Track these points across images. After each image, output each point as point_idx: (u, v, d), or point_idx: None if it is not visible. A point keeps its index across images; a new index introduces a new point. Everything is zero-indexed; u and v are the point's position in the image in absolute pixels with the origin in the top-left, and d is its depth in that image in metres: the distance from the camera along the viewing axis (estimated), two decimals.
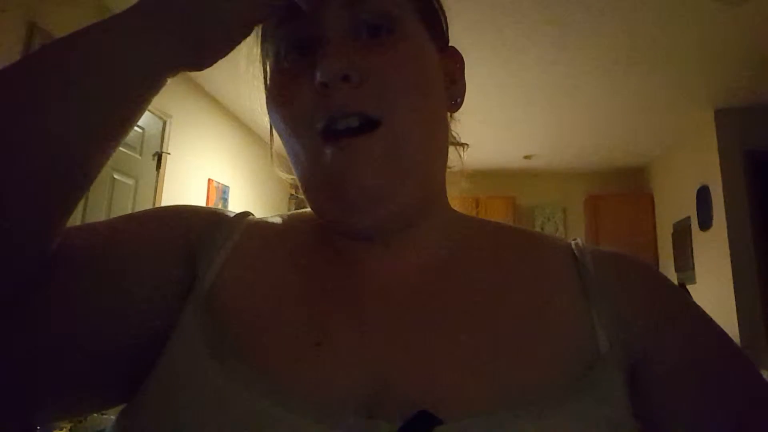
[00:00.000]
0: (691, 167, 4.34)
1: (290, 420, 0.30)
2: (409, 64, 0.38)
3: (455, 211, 0.46)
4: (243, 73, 0.47)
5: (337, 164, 0.36)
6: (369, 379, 0.33)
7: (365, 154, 0.36)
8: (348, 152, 0.35)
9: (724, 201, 3.83)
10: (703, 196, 4.12)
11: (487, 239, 0.45)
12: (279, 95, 0.39)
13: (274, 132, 0.44)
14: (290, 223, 0.47)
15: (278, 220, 0.47)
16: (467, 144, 0.49)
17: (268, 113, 0.41)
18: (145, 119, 3.05)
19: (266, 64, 0.44)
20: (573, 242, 0.44)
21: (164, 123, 3.25)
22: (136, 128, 2.60)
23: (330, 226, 0.42)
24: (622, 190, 5.56)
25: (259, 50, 0.44)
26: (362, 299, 0.39)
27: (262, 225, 0.45)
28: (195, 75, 3.53)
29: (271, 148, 0.49)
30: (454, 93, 0.45)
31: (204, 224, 0.42)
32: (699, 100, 3.75)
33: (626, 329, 0.37)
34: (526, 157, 5.24)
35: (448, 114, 0.45)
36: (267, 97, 0.41)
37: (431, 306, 0.39)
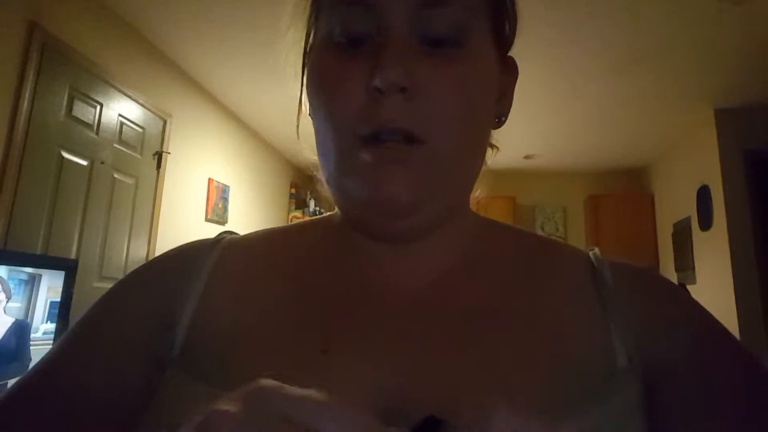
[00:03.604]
0: (691, 167, 4.33)
1: None
2: (469, 89, 0.36)
3: (474, 213, 0.45)
4: (284, 33, 0.44)
5: (375, 173, 0.34)
6: (383, 387, 0.33)
7: (404, 168, 0.34)
8: (387, 162, 0.34)
9: (724, 201, 3.82)
10: (703, 196, 4.11)
11: (504, 245, 0.44)
12: (326, 80, 0.36)
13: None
14: (280, 235, 0.46)
15: (263, 234, 0.46)
16: (497, 147, 0.47)
17: (309, 91, 0.39)
18: (146, 119, 3.05)
19: (312, 34, 0.41)
20: (591, 252, 0.43)
21: (164, 122, 3.25)
22: (136, 128, 2.61)
23: (354, 226, 0.41)
24: (622, 190, 5.55)
25: (306, 14, 0.41)
26: (373, 304, 0.38)
27: (243, 242, 0.45)
28: (195, 74, 3.53)
29: (297, 124, 0.46)
30: (500, 110, 0.42)
31: (169, 276, 0.42)
32: (699, 100, 3.75)
33: (645, 344, 0.36)
34: (526, 157, 5.24)
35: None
36: (311, 76, 0.39)
37: (446, 311, 0.38)
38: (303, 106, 0.45)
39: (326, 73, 0.37)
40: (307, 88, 0.40)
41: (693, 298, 0.41)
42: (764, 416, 0.34)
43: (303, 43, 0.42)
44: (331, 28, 0.37)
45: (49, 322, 1.68)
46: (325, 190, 0.48)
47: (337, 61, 0.36)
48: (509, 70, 0.43)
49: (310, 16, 0.40)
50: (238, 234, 0.47)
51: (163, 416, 0.33)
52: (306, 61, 0.42)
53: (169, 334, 0.37)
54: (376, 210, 0.36)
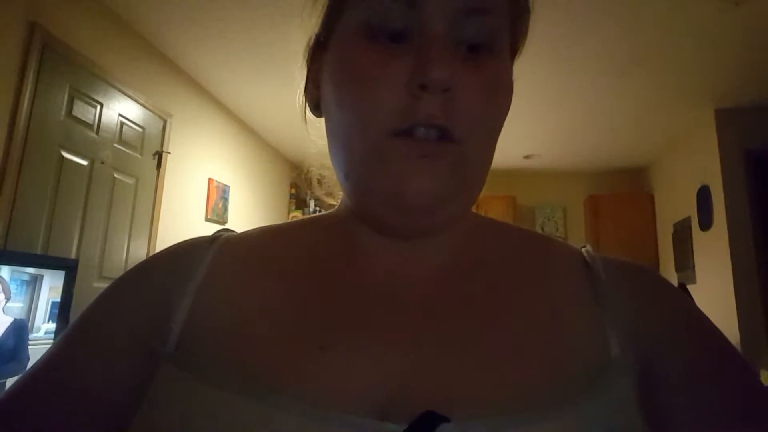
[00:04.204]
0: (691, 167, 4.33)
1: (289, 422, 0.30)
2: (499, 96, 0.37)
3: (472, 212, 0.46)
4: (298, 14, 0.42)
5: (404, 165, 0.34)
6: (381, 383, 0.33)
7: (434, 163, 0.34)
8: (418, 155, 0.34)
9: (724, 201, 3.82)
10: (703, 196, 4.11)
11: (502, 243, 0.45)
12: (361, 72, 0.35)
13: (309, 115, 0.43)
14: (279, 232, 0.46)
15: (262, 231, 0.46)
16: None
17: (334, 80, 0.38)
18: (146, 118, 3.05)
19: (331, 21, 0.39)
20: (584, 249, 0.44)
21: (164, 122, 3.25)
22: (136, 127, 2.61)
23: (366, 222, 0.40)
24: (622, 190, 5.55)
25: (324, 3, 0.40)
26: (373, 300, 0.38)
27: (241, 238, 0.45)
28: (195, 74, 3.54)
29: (304, 112, 0.45)
30: None
31: (165, 273, 0.41)
32: (699, 100, 3.75)
33: (637, 336, 0.37)
34: (526, 157, 5.24)
35: None
36: (339, 65, 0.37)
37: (445, 308, 0.38)
38: (306, 101, 0.44)
39: (360, 67, 0.36)
40: (329, 80, 0.38)
41: (683, 295, 0.42)
42: (747, 411, 0.35)
43: (315, 31, 0.41)
44: (365, 19, 0.36)
45: (50, 321, 1.70)
46: (322, 191, 0.48)
47: (373, 55, 0.35)
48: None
49: (329, 5, 0.39)
50: (235, 231, 0.47)
51: (158, 413, 0.33)
52: (317, 51, 0.41)
53: (164, 330, 0.37)
54: (398, 206, 0.36)
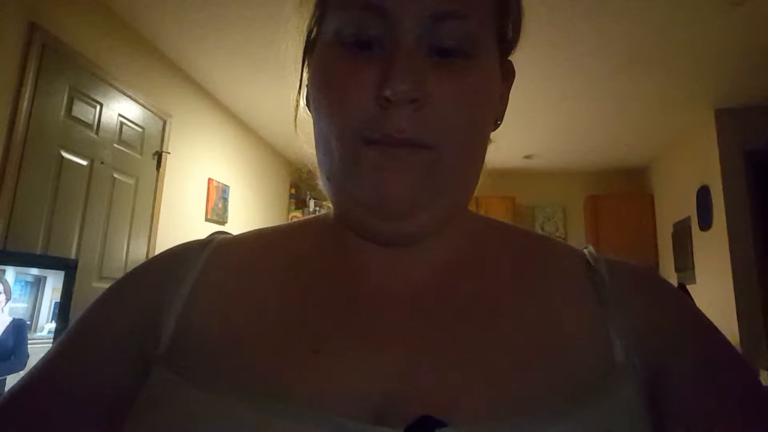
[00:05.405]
0: (691, 167, 4.33)
1: (284, 426, 0.29)
2: (476, 100, 0.36)
3: (471, 212, 0.45)
4: (286, 21, 0.43)
5: (378, 174, 0.34)
6: (376, 387, 0.33)
7: (408, 172, 0.34)
8: (391, 163, 0.34)
9: (724, 201, 3.82)
10: (703, 196, 4.11)
11: (500, 243, 0.44)
12: (333, 82, 0.36)
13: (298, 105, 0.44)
14: (272, 235, 0.46)
15: (255, 234, 0.46)
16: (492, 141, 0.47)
17: (313, 88, 0.39)
18: (146, 118, 3.05)
19: (315, 29, 0.40)
20: (586, 250, 0.43)
21: (164, 122, 3.25)
22: (136, 128, 2.61)
23: (350, 226, 0.40)
24: (622, 190, 5.55)
25: (312, 8, 0.40)
26: (366, 303, 0.38)
27: (234, 242, 0.45)
28: (195, 74, 3.54)
29: (295, 115, 0.46)
30: (497, 113, 0.42)
31: (158, 277, 0.42)
32: (699, 100, 3.75)
33: (642, 340, 0.37)
34: (526, 157, 5.24)
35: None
36: (317, 74, 0.38)
37: (441, 310, 0.38)
38: (301, 101, 0.45)
39: (334, 75, 0.36)
40: (311, 85, 0.40)
41: (687, 298, 0.42)
42: (756, 417, 0.35)
43: (305, 36, 0.41)
44: (340, 28, 0.36)
45: (53, 321, 1.73)
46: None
47: (346, 64, 0.36)
48: (507, 74, 0.44)
49: (315, 11, 0.40)
50: (230, 234, 0.47)
51: (149, 416, 0.32)
52: (307, 55, 0.42)
53: (155, 333, 0.37)
54: (375, 211, 0.36)
